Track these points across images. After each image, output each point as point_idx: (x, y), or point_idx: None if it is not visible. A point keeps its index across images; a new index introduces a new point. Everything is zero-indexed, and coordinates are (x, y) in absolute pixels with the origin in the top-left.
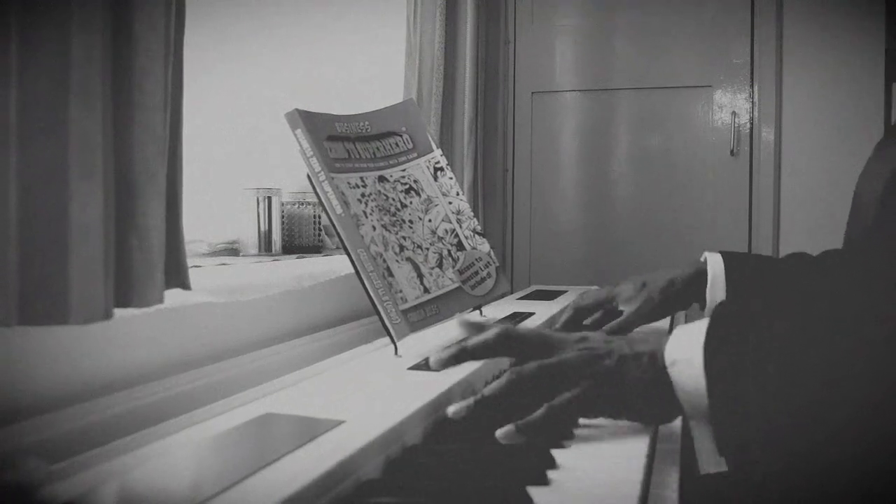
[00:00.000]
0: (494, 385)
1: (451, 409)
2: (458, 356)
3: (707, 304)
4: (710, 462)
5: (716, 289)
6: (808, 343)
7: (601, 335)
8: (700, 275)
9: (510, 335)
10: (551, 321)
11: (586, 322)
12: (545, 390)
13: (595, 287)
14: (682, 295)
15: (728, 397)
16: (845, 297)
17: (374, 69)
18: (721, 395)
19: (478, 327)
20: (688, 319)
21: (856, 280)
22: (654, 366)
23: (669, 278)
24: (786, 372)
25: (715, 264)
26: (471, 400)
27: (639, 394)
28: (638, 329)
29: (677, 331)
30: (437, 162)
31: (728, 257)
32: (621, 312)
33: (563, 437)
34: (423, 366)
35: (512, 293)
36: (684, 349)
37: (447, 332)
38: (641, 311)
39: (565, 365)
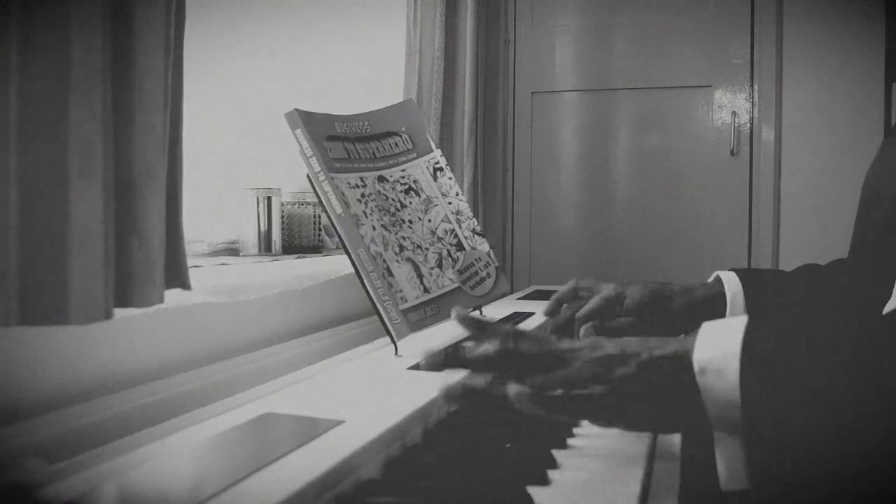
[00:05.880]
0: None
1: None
2: (452, 363)
3: None
4: (734, 480)
5: (735, 310)
6: (851, 361)
7: (615, 340)
8: (717, 296)
9: (514, 351)
10: (553, 323)
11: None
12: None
13: (592, 279)
14: (699, 315)
15: (764, 414)
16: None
17: (374, 69)
18: (756, 412)
19: (477, 326)
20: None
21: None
22: (680, 373)
23: (688, 296)
24: (826, 391)
25: (732, 284)
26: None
27: (660, 403)
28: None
29: (704, 333)
30: (437, 162)
31: (744, 275)
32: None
33: (559, 441)
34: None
35: (512, 293)
36: (716, 357)
37: (447, 332)
38: (655, 322)
39: (578, 377)
